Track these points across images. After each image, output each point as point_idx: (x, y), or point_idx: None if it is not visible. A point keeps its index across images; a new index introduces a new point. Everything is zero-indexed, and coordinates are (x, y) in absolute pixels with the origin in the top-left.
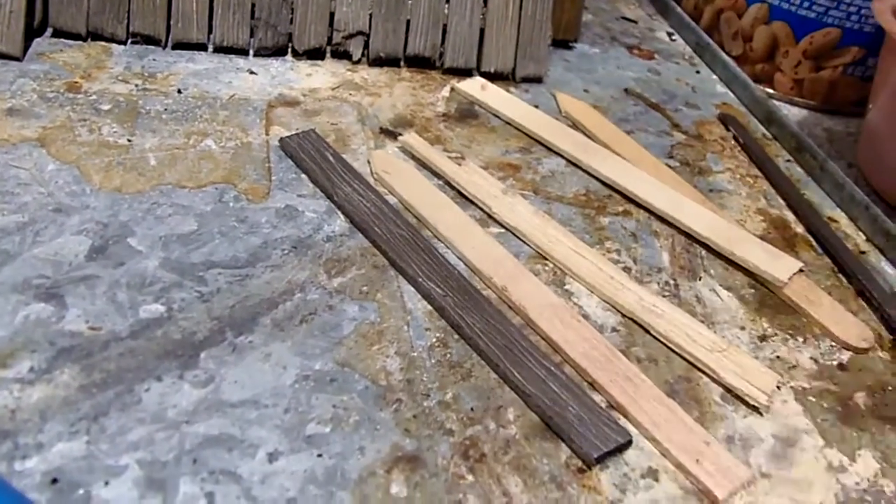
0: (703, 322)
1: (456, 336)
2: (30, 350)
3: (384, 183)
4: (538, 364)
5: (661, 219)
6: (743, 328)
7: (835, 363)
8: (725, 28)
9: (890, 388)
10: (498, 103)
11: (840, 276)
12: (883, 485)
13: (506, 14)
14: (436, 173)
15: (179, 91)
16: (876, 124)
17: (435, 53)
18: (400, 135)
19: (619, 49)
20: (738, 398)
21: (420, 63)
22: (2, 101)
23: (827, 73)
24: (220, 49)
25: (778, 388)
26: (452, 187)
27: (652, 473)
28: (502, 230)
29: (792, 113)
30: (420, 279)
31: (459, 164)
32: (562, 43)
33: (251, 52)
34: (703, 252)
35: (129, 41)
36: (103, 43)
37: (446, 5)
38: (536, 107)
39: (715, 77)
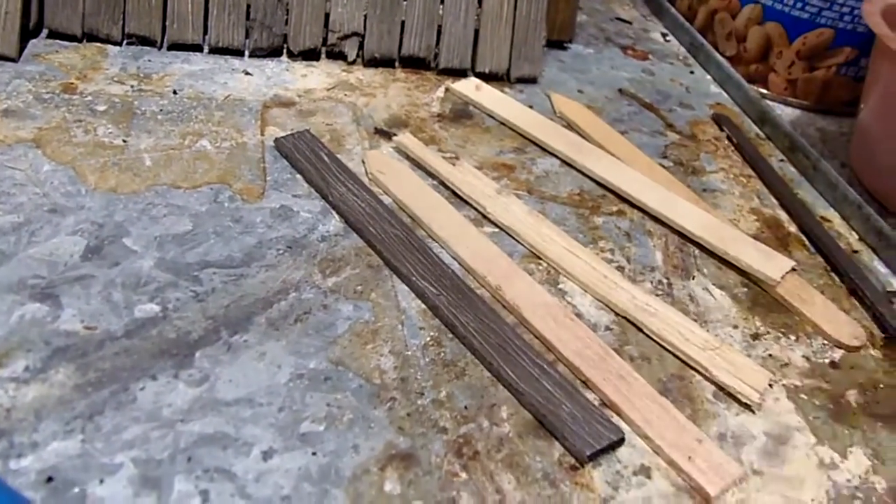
0: (695, 321)
1: (450, 335)
2: (25, 349)
3: (379, 183)
4: (532, 362)
5: (655, 218)
6: (736, 327)
7: (827, 361)
8: (719, 29)
9: (881, 385)
10: (492, 104)
11: (832, 274)
12: (874, 482)
13: (500, 15)
14: (430, 173)
15: (175, 92)
16: (868, 124)
17: (430, 54)
18: (395, 135)
19: (614, 49)
20: (731, 396)
21: (415, 64)
22: None
23: (820, 74)
24: (215, 50)
25: (770, 385)
26: (447, 187)
27: (644, 471)
28: (496, 230)
29: (785, 113)
30: (414, 278)
31: (454, 165)
32: (556, 43)
33: (246, 52)
34: (697, 251)
35: (125, 42)
36: (99, 44)
37: (441, 6)
38: (531, 107)
39: (709, 77)
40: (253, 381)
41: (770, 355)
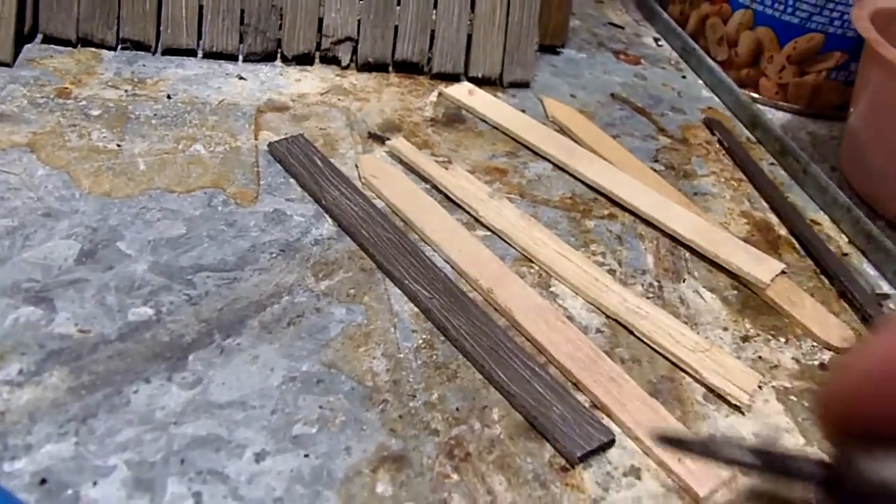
0: (686, 323)
1: (442, 338)
2: (19, 352)
3: (372, 187)
4: (523, 365)
5: (646, 222)
6: (726, 329)
7: (816, 363)
8: (711, 33)
9: None
10: (485, 108)
11: (822, 277)
12: None
13: (493, 20)
14: (423, 177)
15: (169, 96)
16: (857, 128)
17: (423, 59)
18: (388, 139)
19: (606, 54)
20: (721, 398)
21: (408, 68)
22: None
23: (810, 78)
24: (209, 55)
25: (760, 387)
26: (439, 191)
27: (634, 472)
28: (489, 233)
29: (776, 117)
30: (407, 282)
31: (447, 169)
32: (549, 48)
33: (240, 57)
34: (687, 254)
35: (119, 47)
36: (93, 49)
37: (434, 11)
38: (523, 111)
39: (700, 82)
40: (246, 383)
41: (760, 357)
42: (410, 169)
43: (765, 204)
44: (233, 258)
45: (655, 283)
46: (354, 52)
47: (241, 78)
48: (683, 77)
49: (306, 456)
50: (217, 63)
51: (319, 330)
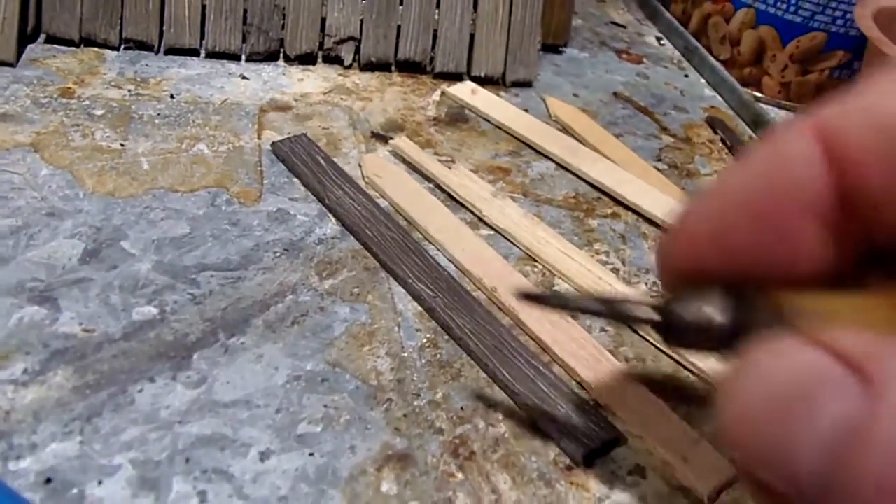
0: None
1: (446, 336)
2: (24, 352)
3: (375, 186)
4: (527, 364)
5: (650, 221)
6: None
7: None
8: (713, 33)
9: None
10: (488, 107)
11: None
12: None
13: (496, 19)
14: (426, 177)
15: (172, 96)
16: None
17: (426, 58)
18: (391, 139)
19: (608, 53)
20: None
21: (411, 68)
22: None
23: (813, 77)
24: (212, 54)
25: None
26: (443, 190)
27: (639, 471)
28: (492, 232)
29: (779, 116)
30: (410, 281)
31: (450, 168)
32: (551, 47)
33: (243, 57)
34: None
35: (122, 47)
36: (96, 49)
37: (437, 11)
38: (526, 111)
39: (703, 81)
40: (250, 382)
41: None
42: (413, 168)
43: None
44: (237, 257)
45: (659, 283)
46: (357, 51)
47: (243, 77)
48: (686, 76)
49: (311, 455)
50: (220, 63)
51: (323, 329)
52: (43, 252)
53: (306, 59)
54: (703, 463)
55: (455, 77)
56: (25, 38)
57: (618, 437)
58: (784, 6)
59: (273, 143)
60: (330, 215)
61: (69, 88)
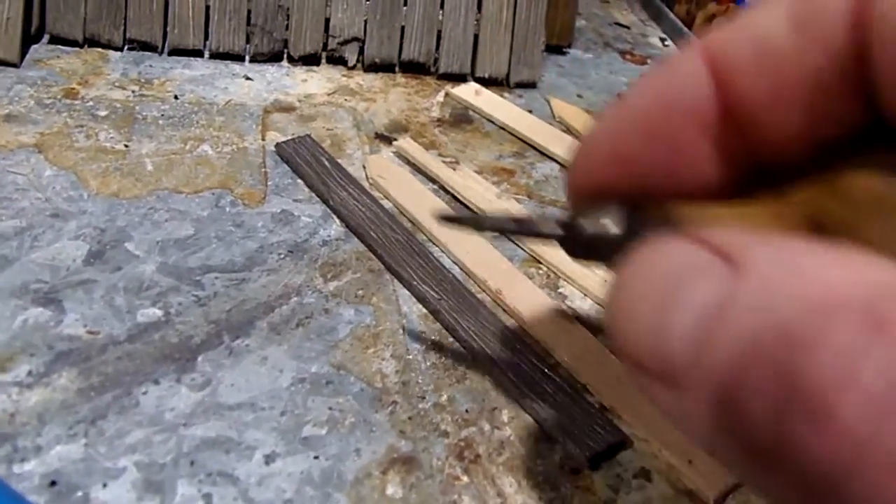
0: None
1: (451, 339)
2: (28, 354)
3: (379, 187)
4: (532, 366)
5: None
6: None
7: None
8: None
9: None
10: (492, 108)
11: None
12: None
13: (500, 20)
14: (430, 178)
15: (176, 97)
16: None
17: (429, 59)
18: (395, 140)
19: (612, 54)
20: None
21: (415, 68)
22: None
23: None
24: (216, 55)
25: None
26: (447, 192)
27: (644, 474)
28: (496, 234)
29: None
30: (415, 283)
31: (454, 169)
32: (555, 48)
33: (247, 58)
34: None
35: (126, 47)
36: (100, 49)
37: (441, 11)
38: (530, 112)
39: None
40: (255, 385)
41: None
42: (418, 170)
43: None
44: (241, 259)
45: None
46: (361, 52)
47: (247, 78)
48: None
49: (316, 458)
50: (224, 63)
51: (328, 331)
52: (47, 253)
53: (310, 60)
54: (708, 466)
55: (459, 78)
56: (29, 39)
57: (623, 440)
58: None
59: (277, 145)
60: (334, 217)
61: (73, 89)
